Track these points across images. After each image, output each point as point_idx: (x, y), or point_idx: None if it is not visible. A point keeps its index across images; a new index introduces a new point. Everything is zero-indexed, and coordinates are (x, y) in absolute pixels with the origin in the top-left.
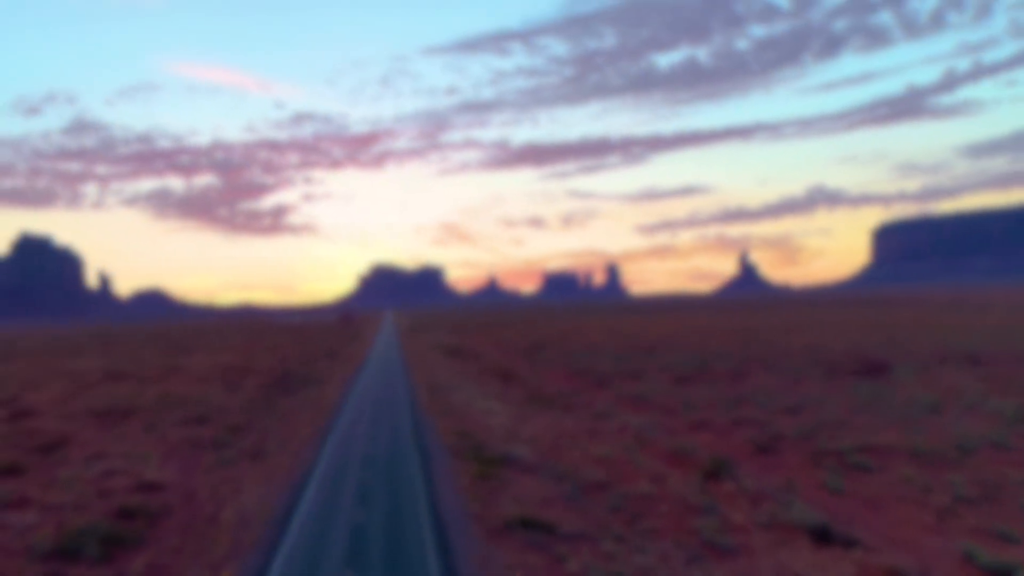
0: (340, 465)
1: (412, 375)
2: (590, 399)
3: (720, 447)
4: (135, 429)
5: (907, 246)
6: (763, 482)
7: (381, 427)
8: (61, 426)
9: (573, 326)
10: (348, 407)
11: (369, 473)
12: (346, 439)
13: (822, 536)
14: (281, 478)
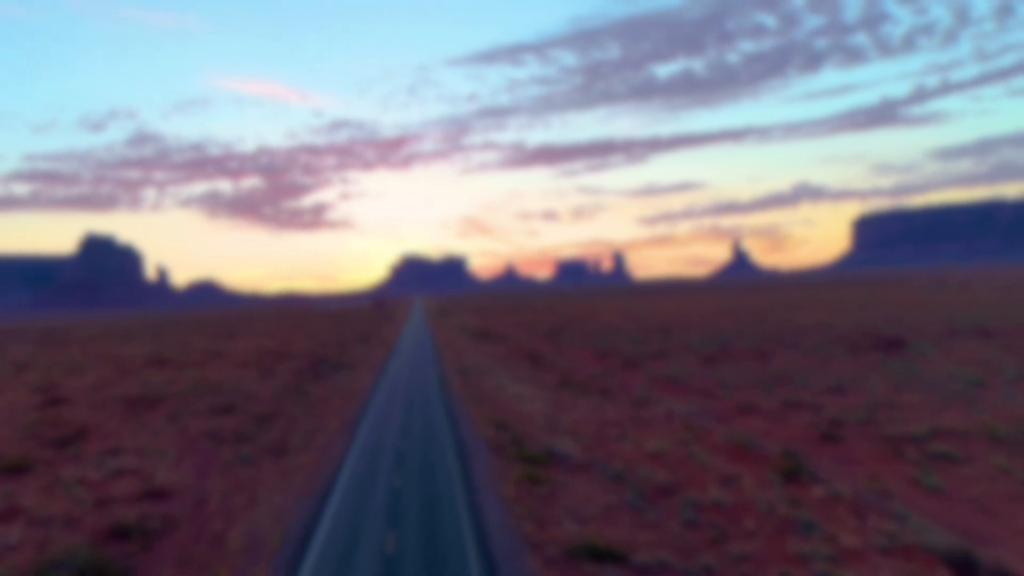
0: (368, 466)
1: (442, 358)
2: (623, 381)
3: (779, 435)
4: (159, 419)
5: (883, 235)
6: (849, 481)
7: (413, 416)
8: (87, 416)
9: (587, 309)
10: (379, 394)
11: (401, 477)
12: (376, 432)
13: (964, 566)
14: (302, 482)
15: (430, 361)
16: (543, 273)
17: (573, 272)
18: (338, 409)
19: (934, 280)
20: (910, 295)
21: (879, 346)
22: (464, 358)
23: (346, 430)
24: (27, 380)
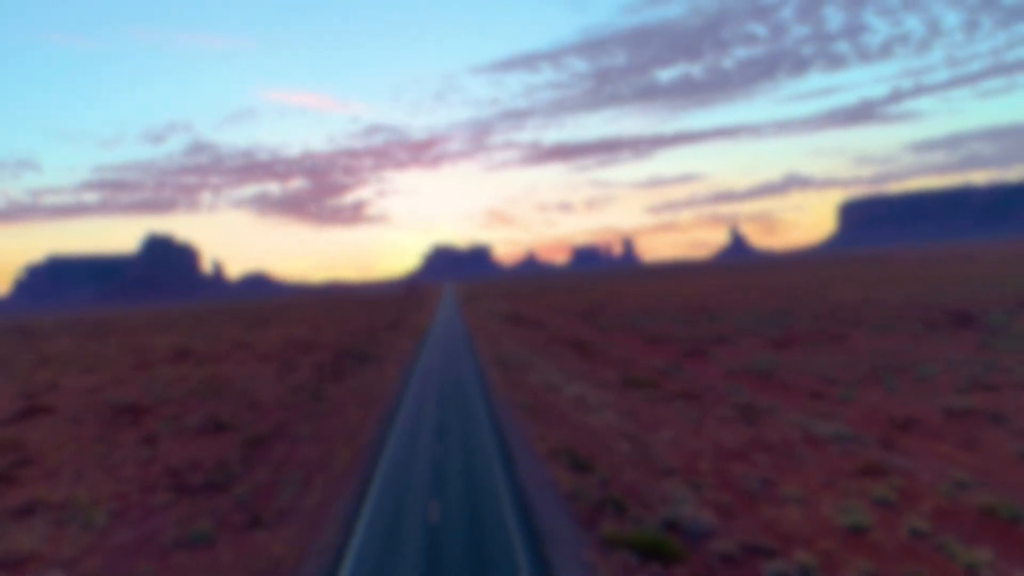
0: (378, 564)
1: (477, 346)
2: (698, 376)
3: (1003, 477)
4: (133, 440)
5: (866, 217)
6: None
7: (450, 443)
8: (49, 436)
9: (610, 290)
10: (407, 400)
11: None
12: (396, 477)
13: None
14: None
15: (464, 352)
16: (560, 259)
17: (587, 257)
18: (354, 426)
19: (920, 257)
20: (915, 270)
21: (951, 321)
22: (500, 346)
23: (355, 473)
24: (34, 379)
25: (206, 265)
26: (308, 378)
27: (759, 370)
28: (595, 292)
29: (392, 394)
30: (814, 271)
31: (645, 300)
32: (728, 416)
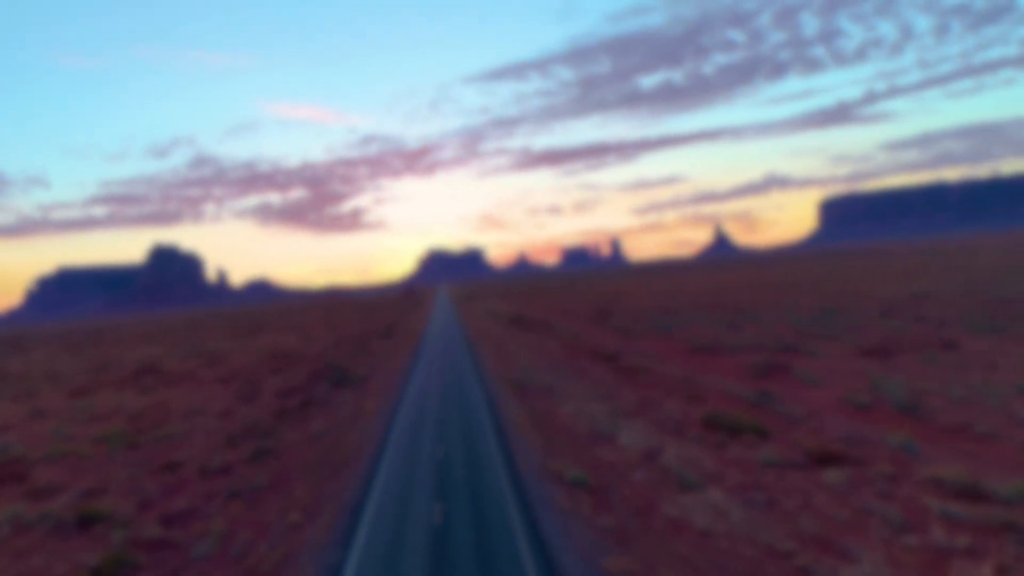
0: None
1: (482, 359)
2: (810, 410)
3: None
4: None
5: (846, 214)
6: None
7: (456, 547)
8: None
9: (610, 288)
10: (386, 464)
11: None
12: None
13: None
14: None
15: (467, 368)
16: (551, 259)
17: (577, 258)
18: (290, 529)
19: (908, 250)
20: (919, 263)
21: None
22: (510, 358)
23: None
24: None
25: (211, 273)
26: (266, 412)
27: (897, 401)
28: (593, 291)
29: (367, 448)
30: (807, 266)
31: (653, 298)
32: (942, 511)
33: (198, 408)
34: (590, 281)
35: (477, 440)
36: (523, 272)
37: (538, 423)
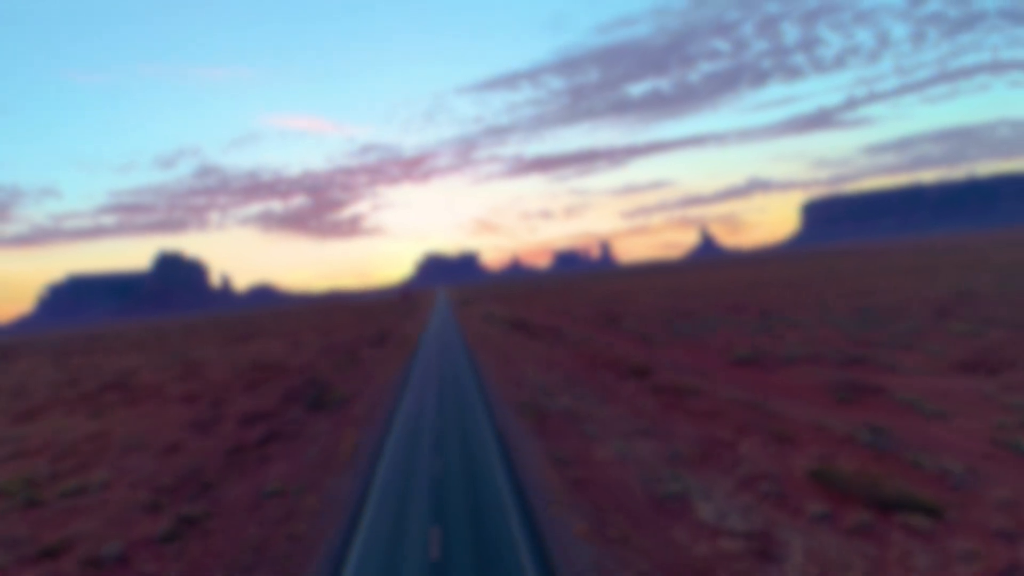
0: None
1: (486, 373)
2: (969, 466)
3: None
4: None
5: (826, 216)
6: None
7: None
8: None
9: (606, 290)
10: (362, 531)
11: None
12: None
13: None
14: None
15: (469, 386)
16: (543, 262)
17: (568, 260)
18: None
19: (898, 248)
20: (922, 260)
21: None
22: (518, 372)
23: None
24: None
25: (215, 279)
26: (219, 449)
27: None
28: (590, 293)
29: (330, 523)
30: (799, 265)
31: (657, 300)
32: None
33: (143, 440)
34: (583, 283)
35: (489, 517)
36: (516, 275)
37: (572, 478)
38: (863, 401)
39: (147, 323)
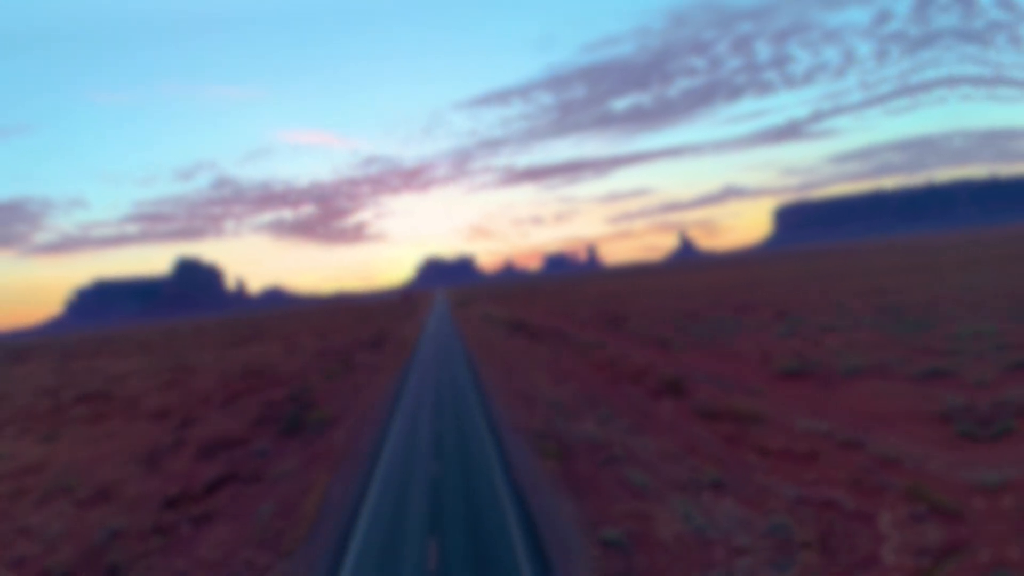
0: None
1: (490, 387)
2: None
3: None
4: None
5: (795, 220)
6: None
7: None
8: None
9: (599, 290)
10: None
11: None
12: None
13: None
14: None
15: (472, 403)
16: (534, 265)
17: (557, 263)
18: None
19: (877, 249)
20: (905, 260)
21: None
22: (527, 385)
23: None
24: None
25: (230, 282)
26: (156, 499)
27: None
28: (583, 293)
29: None
30: (776, 266)
31: (657, 300)
32: None
33: (77, 478)
34: (574, 283)
35: None
36: (510, 276)
37: None
38: (1004, 437)
39: (165, 325)
